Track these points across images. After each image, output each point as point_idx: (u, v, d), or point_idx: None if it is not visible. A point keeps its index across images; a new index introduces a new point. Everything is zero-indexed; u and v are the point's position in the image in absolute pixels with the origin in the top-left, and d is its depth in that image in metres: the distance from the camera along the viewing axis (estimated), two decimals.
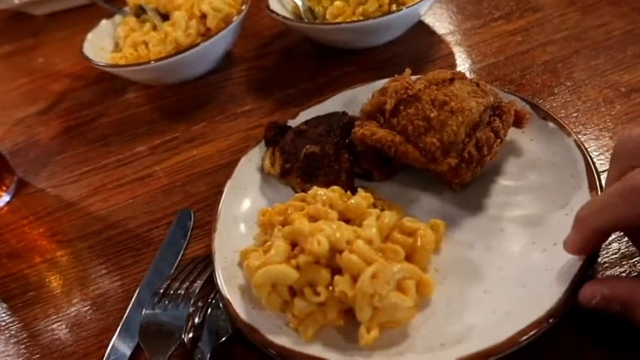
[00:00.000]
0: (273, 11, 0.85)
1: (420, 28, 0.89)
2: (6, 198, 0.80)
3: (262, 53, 0.95)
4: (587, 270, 0.44)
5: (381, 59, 0.85)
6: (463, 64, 0.79)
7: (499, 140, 0.55)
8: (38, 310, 0.61)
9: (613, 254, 0.49)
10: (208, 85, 0.91)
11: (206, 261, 0.57)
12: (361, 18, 0.79)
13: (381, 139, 0.55)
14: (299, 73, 0.87)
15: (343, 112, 0.64)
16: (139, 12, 0.98)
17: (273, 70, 0.91)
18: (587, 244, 0.43)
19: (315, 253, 0.45)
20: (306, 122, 0.65)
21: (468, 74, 0.76)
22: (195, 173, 0.74)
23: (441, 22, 0.89)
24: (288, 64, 0.91)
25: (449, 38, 0.85)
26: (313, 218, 0.50)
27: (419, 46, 0.85)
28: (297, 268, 0.47)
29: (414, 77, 0.61)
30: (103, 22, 0.99)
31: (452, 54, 0.82)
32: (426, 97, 0.55)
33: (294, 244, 0.49)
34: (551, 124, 0.58)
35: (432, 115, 0.54)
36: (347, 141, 0.60)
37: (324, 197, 0.52)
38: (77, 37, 0.97)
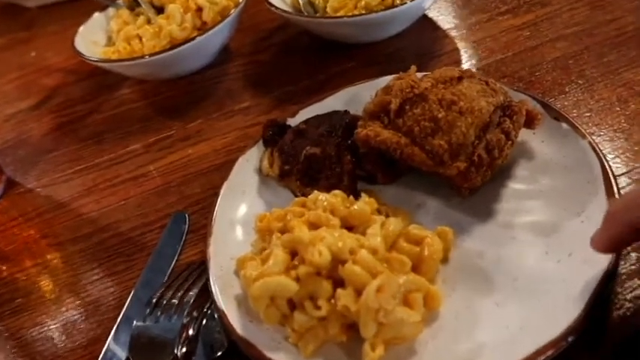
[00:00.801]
0: (271, 4, 0.82)
1: (424, 22, 0.85)
2: None
3: (260, 48, 0.92)
4: (607, 283, 0.41)
5: (384, 54, 0.81)
6: (469, 60, 0.76)
7: (510, 142, 0.52)
8: (26, 319, 0.58)
9: (632, 264, 0.46)
10: (204, 81, 0.88)
11: (201, 268, 0.54)
12: (363, 12, 0.76)
13: (385, 140, 0.52)
14: (298, 68, 0.84)
15: (345, 110, 0.61)
16: (133, 5, 0.95)
17: (271, 65, 0.88)
18: (617, 242, 0.39)
19: (316, 264, 0.43)
20: (306, 121, 0.62)
21: (474, 71, 0.73)
22: (190, 173, 0.71)
23: (445, 16, 0.86)
24: (287, 58, 0.88)
25: (454, 33, 0.82)
26: (314, 225, 0.47)
27: (423, 41, 0.82)
28: (297, 279, 0.44)
29: (419, 74, 0.58)
30: (96, 15, 0.96)
31: (457, 49, 0.78)
32: (432, 97, 0.52)
33: (293, 253, 0.46)
34: (564, 125, 0.55)
35: (439, 115, 0.51)
36: (349, 142, 0.58)
37: (325, 203, 0.49)
38: (70, 31, 0.93)
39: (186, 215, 0.64)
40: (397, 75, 0.58)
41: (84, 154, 0.81)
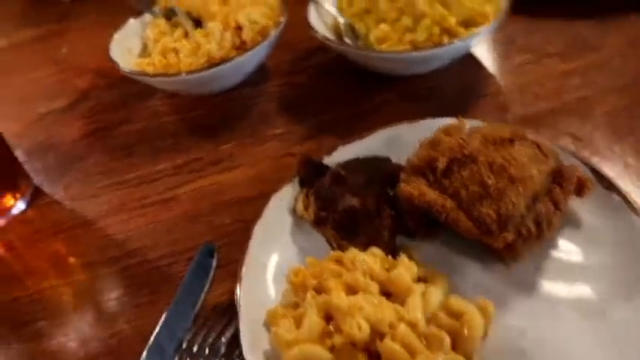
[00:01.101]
0: (313, 28, 0.80)
1: (468, 57, 0.83)
2: (21, 206, 0.76)
3: (297, 68, 0.90)
4: None
5: (426, 88, 0.79)
6: (514, 105, 0.73)
7: (559, 212, 0.50)
8: (47, 345, 0.58)
9: None
10: (239, 99, 0.86)
11: (230, 312, 0.53)
12: (409, 47, 0.73)
13: (430, 202, 0.50)
14: (335, 95, 0.82)
15: (387, 158, 0.60)
16: (170, 14, 0.93)
17: (308, 88, 0.86)
18: None
19: (354, 338, 0.41)
20: (345, 165, 0.60)
21: (519, 115, 0.71)
22: (220, 202, 0.69)
23: (489, 53, 0.83)
24: (324, 83, 0.86)
25: (498, 73, 0.80)
26: (351, 289, 0.46)
27: (466, 78, 0.80)
28: (332, 348, 0.43)
29: (467, 121, 0.57)
30: (131, 21, 0.94)
31: (501, 92, 0.76)
32: (482, 159, 0.50)
33: (328, 316, 0.45)
34: (615, 197, 0.53)
35: (489, 181, 0.49)
36: (390, 193, 0.56)
37: (364, 266, 0.47)
38: (103, 28, 0.92)
39: (215, 248, 0.63)
40: (444, 127, 0.56)
41: (113, 167, 0.80)
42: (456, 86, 0.79)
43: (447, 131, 0.55)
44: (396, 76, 0.80)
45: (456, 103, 0.75)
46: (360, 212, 0.54)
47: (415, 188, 0.52)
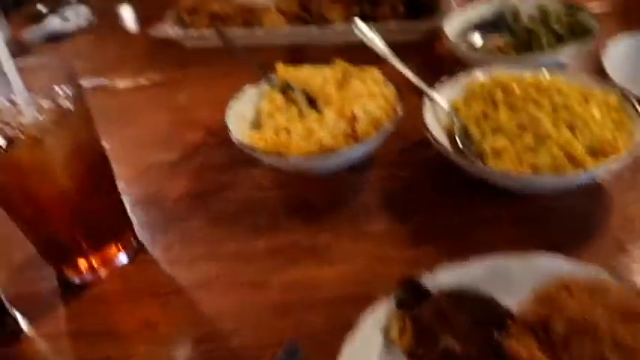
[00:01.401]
0: (427, 129, 0.79)
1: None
2: (123, 259, 0.79)
3: (405, 161, 0.89)
4: None
5: (541, 208, 0.74)
6: (634, 245, 0.68)
7: None
8: None
9: None
10: (341, 185, 0.86)
11: None
12: (528, 170, 0.70)
13: None
14: (441, 199, 0.80)
15: (494, 300, 0.57)
16: (286, 88, 0.96)
17: (413, 184, 0.84)
18: None
19: None
20: (450, 295, 0.58)
21: None
22: (311, 297, 0.68)
23: (616, 179, 0.77)
24: (431, 182, 0.84)
25: (623, 204, 0.74)
26: None
27: (586, 205, 0.74)
28: None
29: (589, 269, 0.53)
30: (248, 89, 0.97)
31: (625, 229, 0.70)
32: (607, 333, 0.46)
33: None
34: None
35: None
36: (493, 341, 0.53)
37: None
38: (219, 80, 0.95)
39: (300, 350, 0.62)
40: (565, 281, 0.52)
41: (213, 236, 0.81)
42: (574, 213, 0.74)
43: (568, 287, 0.51)
44: (508, 190, 0.77)
45: (573, 232, 0.71)
46: (460, 358, 0.51)
47: (525, 347, 0.48)
